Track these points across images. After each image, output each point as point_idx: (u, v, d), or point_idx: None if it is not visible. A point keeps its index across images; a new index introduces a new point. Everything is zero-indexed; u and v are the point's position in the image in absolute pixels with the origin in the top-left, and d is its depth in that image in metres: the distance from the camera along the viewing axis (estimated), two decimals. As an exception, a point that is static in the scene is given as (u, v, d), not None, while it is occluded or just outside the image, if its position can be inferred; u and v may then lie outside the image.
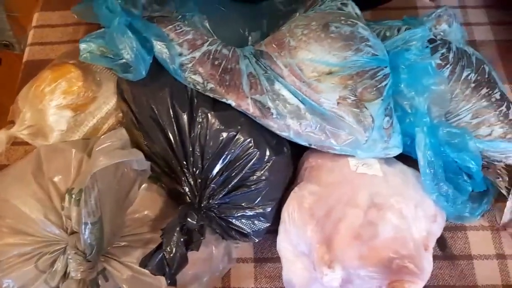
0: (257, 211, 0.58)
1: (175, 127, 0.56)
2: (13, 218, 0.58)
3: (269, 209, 0.58)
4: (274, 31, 0.70)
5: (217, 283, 0.67)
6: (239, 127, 0.55)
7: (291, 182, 0.64)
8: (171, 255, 0.50)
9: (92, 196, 0.47)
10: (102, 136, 0.50)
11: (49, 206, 0.57)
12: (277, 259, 0.68)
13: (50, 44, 0.92)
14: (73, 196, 0.56)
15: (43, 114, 0.68)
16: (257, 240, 0.63)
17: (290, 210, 0.57)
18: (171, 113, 0.57)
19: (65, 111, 0.69)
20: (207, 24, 0.64)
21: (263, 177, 0.56)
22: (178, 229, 0.50)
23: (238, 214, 0.58)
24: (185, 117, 0.56)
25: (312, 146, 0.58)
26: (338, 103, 0.54)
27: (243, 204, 0.57)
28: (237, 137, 0.55)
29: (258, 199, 0.57)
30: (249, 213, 0.58)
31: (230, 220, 0.59)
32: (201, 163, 0.56)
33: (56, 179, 0.59)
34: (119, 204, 0.53)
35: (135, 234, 0.58)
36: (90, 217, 0.48)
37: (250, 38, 0.70)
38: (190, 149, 0.56)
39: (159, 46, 0.57)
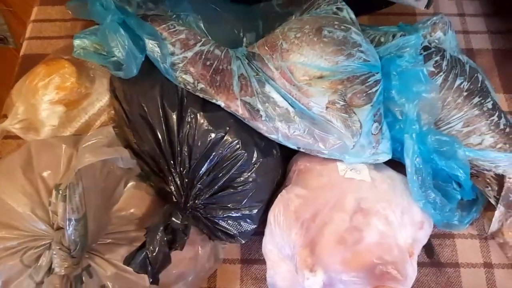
0: (244, 212, 0.58)
1: (164, 126, 0.56)
2: (0, 212, 0.58)
3: (255, 211, 0.58)
4: (270, 33, 0.70)
5: (203, 283, 0.67)
6: (227, 128, 0.55)
7: (281, 184, 0.64)
8: (154, 254, 0.50)
9: (76, 192, 0.47)
10: (89, 133, 0.50)
11: (36, 201, 0.57)
12: (264, 261, 0.68)
13: (48, 39, 0.92)
14: (60, 191, 0.56)
15: (36, 108, 0.69)
16: (243, 242, 0.63)
17: (276, 213, 0.57)
18: (161, 112, 0.57)
19: (58, 106, 0.69)
20: (201, 24, 0.64)
21: (250, 179, 0.56)
22: (162, 228, 0.50)
23: (225, 215, 0.58)
24: (174, 116, 0.56)
25: (301, 150, 0.58)
26: (327, 107, 0.54)
27: (229, 205, 0.57)
28: (225, 138, 0.55)
29: (245, 200, 0.57)
30: (235, 214, 0.58)
31: (216, 221, 0.59)
32: (188, 163, 0.56)
33: (45, 174, 0.59)
34: (105, 201, 0.53)
35: (121, 232, 0.58)
36: (75, 214, 0.48)
37: (244, 39, 0.70)
38: (178, 149, 0.56)
39: (151, 45, 0.57)
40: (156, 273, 0.50)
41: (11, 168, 0.61)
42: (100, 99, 0.72)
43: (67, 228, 0.49)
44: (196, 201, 0.57)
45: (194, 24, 0.64)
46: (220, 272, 0.68)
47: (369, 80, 0.56)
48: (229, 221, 0.59)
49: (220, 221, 0.59)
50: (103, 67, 0.74)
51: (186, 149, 0.56)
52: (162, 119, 0.56)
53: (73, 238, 0.50)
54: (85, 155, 0.46)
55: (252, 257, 0.69)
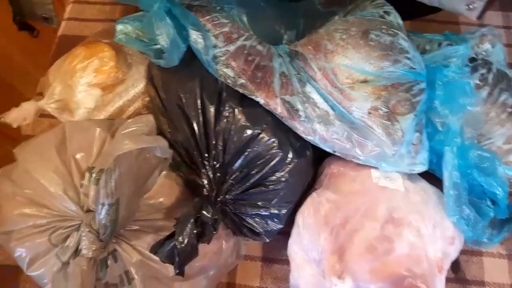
0: (272, 211, 0.57)
1: (201, 118, 0.56)
2: (31, 189, 0.59)
3: (284, 211, 0.58)
4: (311, 32, 0.69)
5: (223, 278, 0.67)
6: (264, 125, 0.55)
7: (310, 186, 0.63)
8: (183, 245, 0.49)
9: (112, 178, 0.47)
10: (129, 120, 0.50)
11: (69, 182, 0.58)
12: (285, 261, 0.68)
13: (85, 21, 0.93)
14: (93, 175, 0.56)
15: (72, 90, 0.69)
16: (268, 240, 0.62)
17: (305, 215, 0.56)
18: (199, 103, 0.56)
19: (94, 89, 0.69)
20: (244, 19, 0.64)
21: (283, 179, 0.56)
22: (192, 220, 0.50)
23: (253, 213, 0.57)
24: (212, 109, 0.56)
25: (336, 153, 0.57)
26: (369, 113, 0.53)
27: (259, 203, 0.57)
28: (261, 135, 0.54)
29: (275, 200, 0.56)
30: (264, 212, 0.57)
31: (244, 217, 0.58)
32: (222, 157, 0.56)
33: (78, 156, 0.60)
34: (137, 188, 0.53)
35: (148, 220, 0.58)
36: (108, 198, 0.48)
37: (285, 36, 0.69)
38: (213, 142, 0.56)
39: (194, 36, 0.56)
40: (183, 264, 0.50)
41: (45, 147, 0.62)
42: (135, 86, 0.72)
43: (100, 212, 0.49)
44: (227, 196, 0.56)
45: (237, 17, 0.63)
46: (241, 268, 0.68)
47: (413, 88, 0.55)
48: (256, 219, 0.59)
49: (248, 218, 0.58)
50: (142, 54, 0.74)
51: (221, 143, 0.55)
52: (199, 111, 0.56)
53: (103, 222, 0.50)
54: (124, 141, 0.46)
55: (274, 256, 0.68)
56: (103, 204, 0.49)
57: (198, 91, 0.57)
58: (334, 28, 0.59)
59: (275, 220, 0.59)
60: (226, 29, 0.58)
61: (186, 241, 0.50)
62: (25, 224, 0.57)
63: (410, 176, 0.61)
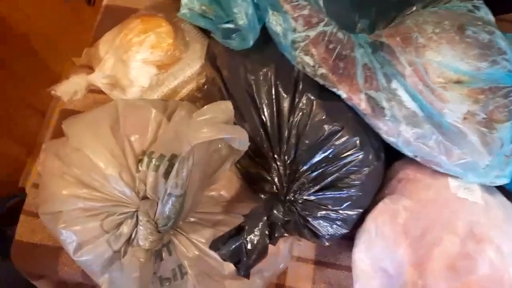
0: (341, 215, 0.53)
1: (274, 109, 0.51)
2: (82, 169, 0.55)
3: (354, 216, 0.53)
4: (387, 23, 0.64)
5: (273, 279, 0.63)
6: (345, 122, 0.50)
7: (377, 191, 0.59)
8: (253, 245, 0.45)
9: (185, 168, 0.43)
10: (205, 107, 0.45)
11: (124, 165, 0.54)
12: (339, 266, 0.64)
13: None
14: (153, 160, 0.52)
15: (126, 65, 0.65)
16: (327, 244, 0.58)
17: (379, 222, 0.52)
18: (273, 92, 0.52)
19: (150, 67, 0.65)
20: (320, 2, 0.58)
21: (358, 182, 0.51)
22: (264, 219, 0.46)
23: (320, 215, 0.53)
24: (287, 99, 0.51)
25: (417, 159, 0.52)
26: (464, 118, 0.48)
27: (329, 206, 0.52)
28: (341, 133, 0.50)
29: (347, 203, 0.52)
30: (332, 215, 0.53)
31: (309, 219, 0.54)
32: (294, 153, 0.51)
33: (132, 138, 0.56)
34: (205, 180, 0.49)
35: (207, 213, 0.54)
36: (178, 189, 0.44)
37: (358, 25, 0.64)
38: (286, 135, 0.51)
39: (274, 17, 0.51)
40: (251, 265, 0.46)
41: (99, 125, 0.57)
42: (192, 66, 0.67)
43: (167, 202, 0.45)
44: (296, 196, 0.52)
45: (312, 0, 0.58)
46: (291, 270, 0.64)
47: (511, 94, 0.49)
48: (321, 221, 0.54)
49: (313, 220, 0.54)
50: (198, 32, 0.69)
51: (294, 138, 0.51)
52: (273, 100, 0.51)
53: (167, 213, 0.46)
54: (202, 129, 0.42)
55: (328, 260, 0.64)
56: (170, 195, 0.45)
57: (272, 78, 0.52)
58: (424, 20, 0.54)
59: (341, 224, 0.54)
60: (305, 11, 0.53)
61: (256, 241, 0.46)
62: (75, 206, 0.54)
63: (488, 189, 0.56)
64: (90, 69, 0.69)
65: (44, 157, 0.60)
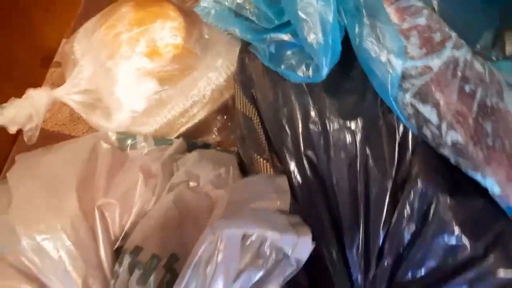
0: None
1: (358, 198, 0.28)
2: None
3: None
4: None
5: None
6: (492, 241, 0.26)
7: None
8: None
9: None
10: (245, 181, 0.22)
11: (93, 263, 0.32)
12: None
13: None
14: (138, 265, 0.30)
15: (111, 76, 0.41)
16: None
17: None
18: (358, 168, 0.28)
19: (148, 79, 0.41)
20: (434, 2, 0.33)
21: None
22: None
23: None
24: (383, 185, 0.27)
25: None
26: None
27: None
28: (485, 259, 0.26)
29: None
30: None
31: None
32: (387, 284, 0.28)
33: (109, 209, 0.34)
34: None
35: None
36: None
37: (480, 40, 0.38)
38: (376, 254, 0.28)
39: (371, 31, 0.27)
40: None
41: (60, 182, 0.36)
42: (211, 79, 0.43)
43: None
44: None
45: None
46: None
47: None
48: None
49: None
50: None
51: (391, 258, 0.28)
52: (357, 182, 0.28)
53: None
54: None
55: None
56: None
57: (357, 141, 0.28)
58: None
59: None
60: (421, 20, 0.28)
61: None
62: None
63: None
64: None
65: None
